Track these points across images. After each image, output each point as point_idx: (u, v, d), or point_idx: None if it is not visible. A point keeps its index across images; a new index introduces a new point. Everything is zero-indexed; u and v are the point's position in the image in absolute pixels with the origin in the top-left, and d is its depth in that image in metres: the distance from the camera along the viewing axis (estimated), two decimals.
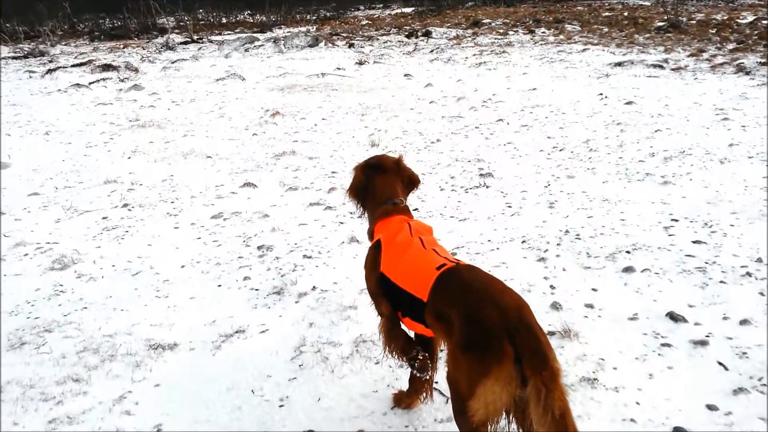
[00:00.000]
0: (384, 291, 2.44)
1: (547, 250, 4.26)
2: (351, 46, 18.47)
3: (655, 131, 7.29)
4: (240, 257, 4.38)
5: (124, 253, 4.52)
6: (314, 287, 3.86)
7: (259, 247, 4.52)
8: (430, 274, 2.21)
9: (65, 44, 24.63)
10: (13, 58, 20.10)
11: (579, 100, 9.49)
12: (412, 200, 5.28)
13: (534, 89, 10.61)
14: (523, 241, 4.44)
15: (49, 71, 14.51)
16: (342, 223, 4.97)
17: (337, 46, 18.60)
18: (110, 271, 4.22)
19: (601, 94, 9.76)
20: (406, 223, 2.51)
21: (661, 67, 12.35)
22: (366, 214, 2.75)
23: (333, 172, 6.33)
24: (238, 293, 3.86)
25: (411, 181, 2.78)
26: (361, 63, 14.71)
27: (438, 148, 7.12)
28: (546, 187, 5.62)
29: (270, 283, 3.95)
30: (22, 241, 4.70)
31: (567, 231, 4.56)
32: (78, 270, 4.22)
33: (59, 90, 12.25)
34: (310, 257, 4.31)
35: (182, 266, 4.27)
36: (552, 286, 3.76)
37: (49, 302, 3.82)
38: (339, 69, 13.99)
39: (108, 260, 4.39)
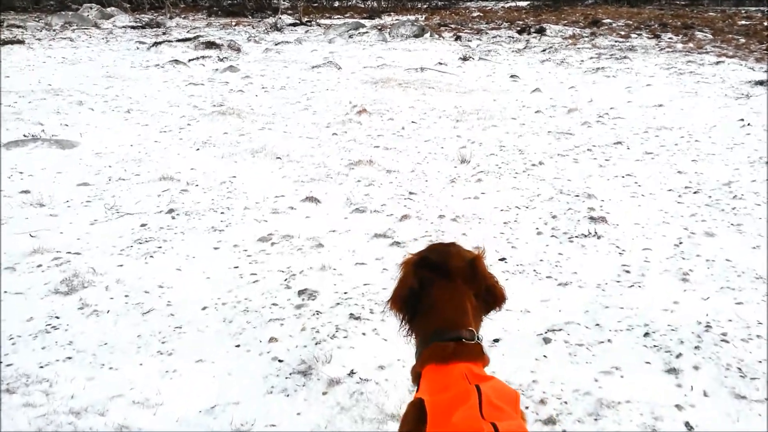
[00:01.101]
0: None
1: (680, 355, 3.00)
2: (458, 38, 17.19)
3: None
4: (274, 304, 3.42)
5: (146, 277, 3.69)
6: (352, 372, 2.83)
7: (300, 292, 3.54)
8: None
9: (184, 17, 24.93)
10: (132, 27, 20.40)
11: (715, 125, 7.84)
12: (492, 252, 4.13)
13: (660, 106, 8.99)
14: (646, 334, 3.19)
15: (155, 44, 14.31)
16: None
17: (443, 38, 17.37)
18: (120, 305, 3.38)
19: (743, 119, 8.03)
20: (474, 387, 1.44)
21: None
22: (413, 339, 1.70)
23: (411, 193, 5.25)
24: (257, 362, 2.90)
25: (491, 297, 1.70)
26: (465, 59, 13.45)
27: (539, 173, 5.87)
28: (677, 246, 4.28)
29: (299, 353, 2.96)
30: (41, 248, 3.98)
31: (708, 325, 3.26)
32: (84, 298, 3.42)
33: (157, 65, 11.91)
34: (358, 318, 3.28)
35: (204, 308, 3.37)
36: (689, 425, 2.53)
37: (33, 342, 3.03)
38: (440, 64, 12.82)
39: (123, 287, 3.57)
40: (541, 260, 4.06)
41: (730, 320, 3.32)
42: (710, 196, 5.25)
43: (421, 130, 7.50)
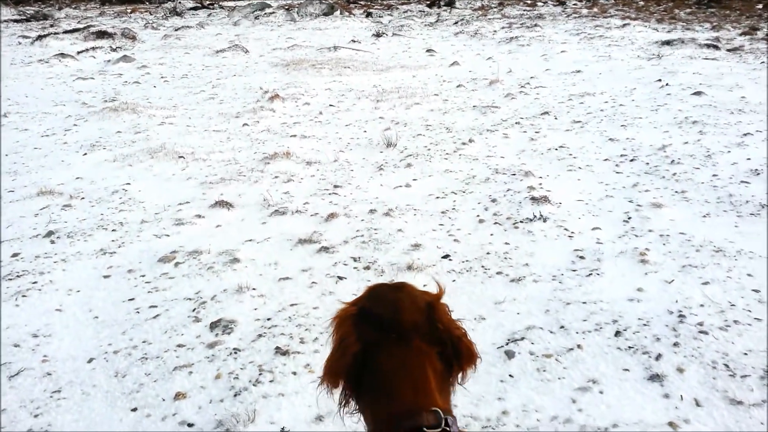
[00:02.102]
0: None
1: (660, 356, 2.58)
2: (369, 15, 16.53)
3: (744, 134, 5.50)
4: (180, 345, 2.74)
5: (16, 326, 2.91)
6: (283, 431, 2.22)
7: (213, 325, 2.88)
8: None
9: (74, 7, 22.83)
10: (16, 20, 18.38)
11: (635, 87, 7.65)
12: (435, 232, 3.61)
13: (578, 72, 8.75)
14: (617, 333, 2.76)
15: (39, 37, 12.81)
16: (341, 278, 3.32)
17: (354, 15, 16.65)
18: None
19: (660, 80, 7.90)
20: None
21: (716, 47, 10.41)
22: (363, 420, 1.26)
23: (336, 187, 4.63)
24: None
25: (456, 356, 1.26)
26: (378, 35, 12.84)
27: (471, 151, 5.39)
28: (626, 222, 3.91)
29: (214, 411, 2.32)
30: None
31: (681, 315, 2.87)
32: None
33: (41, 60, 10.56)
34: (286, 353, 2.66)
35: (90, 360, 2.65)
36: None
37: None
38: (354, 42, 12.15)
39: None
40: (488, 253, 3.57)
41: (701, 305, 2.95)
42: (647, 163, 4.94)
43: (341, 113, 6.86)
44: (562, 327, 2.84)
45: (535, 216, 3.99)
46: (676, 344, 2.66)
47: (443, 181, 4.74)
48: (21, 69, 10.07)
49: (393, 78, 8.77)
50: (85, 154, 5.55)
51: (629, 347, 2.67)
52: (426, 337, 1.22)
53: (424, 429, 1.10)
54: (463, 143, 5.61)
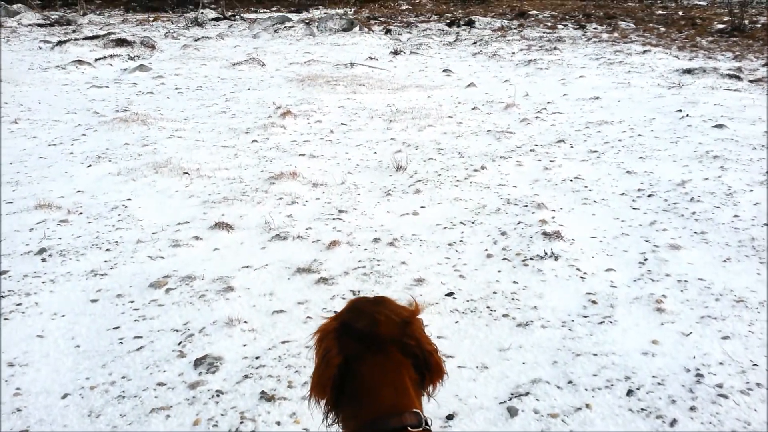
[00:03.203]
0: None
1: (675, 421, 2.36)
2: (388, 32, 16.46)
3: None
4: (161, 384, 2.56)
5: None
6: None
7: (197, 362, 2.70)
8: None
9: (99, 13, 23.07)
10: (40, 25, 18.56)
11: (654, 116, 7.43)
12: (432, 279, 3.41)
13: (596, 98, 8.54)
14: (630, 392, 2.54)
15: (60, 43, 12.86)
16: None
17: (373, 31, 16.59)
18: None
19: (681, 110, 7.67)
20: None
21: (738, 77, 10.15)
22: (343, 429, 1.31)
23: (340, 212, 4.46)
24: None
25: (428, 370, 1.33)
26: (396, 53, 12.73)
27: (482, 179, 5.20)
28: (642, 264, 3.68)
29: None
30: None
31: (699, 374, 2.64)
32: None
33: (58, 66, 10.56)
34: (271, 399, 2.47)
35: (64, 396, 2.48)
36: None
37: None
38: (371, 59, 12.04)
39: None
40: (494, 292, 3.36)
41: (721, 363, 2.73)
42: (666, 200, 4.72)
43: (352, 132, 6.71)
44: (570, 382, 2.62)
45: (546, 253, 3.78)
46: (692, 408, 2.43)
47: (452, 210, 4.55)
48: (38, 74, 10.07)
49: (408, 98, 8.62)
50: (90, 166, 5.44)
51: (642, 409, 2.44)
52: (402, 348, 1.28)
53: (408, 428, 1.17)
54: (475, 170, 5.42)
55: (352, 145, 6.20)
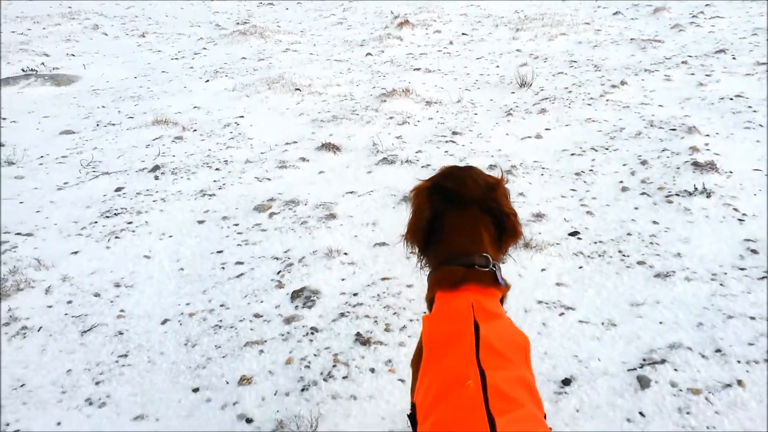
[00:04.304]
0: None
1: None
2: None
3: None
4: (257, 315, 2.45)
5: (102, 271, 2.79)
6: None
7: (294, 295, 2.55)
8: None
9: None
10: None
11: None
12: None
13: None
14: None
15: None
16: None
17: None
18: (56, 319, 2.49)
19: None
20: (472, 326, 1.21)
21: None
22: (428, 267, 1.50)
23: (454, 134, 4.06)
24: (217, 422, 1.97)
25: (506, 231, 1.46)
26: None
27: (621, 96, 4.49)
28: None
29: (276, 407, 2.01)
30: None
31: None
32: (14, 309, 2.54)
33: None
34: (367, 342, 2.27)
35: (164, 321, 2.45)
36: None
37: None
38: None
39: (69, 288, 2.67)
40: (629, 234, 2.88)
41: None
42: None
43: (473, 44, 6.11)
44: (718, 351, 2.16)
45: (696, 188, 3.18)
46: None
47: (582, 132, 3.98)
48: None
49: (539, 2, 7.72)
50: (207, 81, 5.41)
51: None
52: (484, 209, 1.44)
53: (475, 266, 1.36)
54: (613, 85, 4.71)
55: (473, 58, 5.64)
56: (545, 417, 1.14)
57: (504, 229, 1.45)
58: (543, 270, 2.65)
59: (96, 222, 3.19)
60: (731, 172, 3.35)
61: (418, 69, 5.38)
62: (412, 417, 1.22)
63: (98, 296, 2.61)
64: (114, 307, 2.54)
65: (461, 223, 1.42)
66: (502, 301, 1.41)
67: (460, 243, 1.40)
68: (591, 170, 3.50)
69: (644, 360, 2.15)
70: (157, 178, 3.65)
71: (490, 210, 1.43)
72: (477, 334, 1.20)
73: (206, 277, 2.73)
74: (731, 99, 4.35)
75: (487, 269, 1.36)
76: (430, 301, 1.43)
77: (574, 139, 3.88)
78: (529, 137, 3.95)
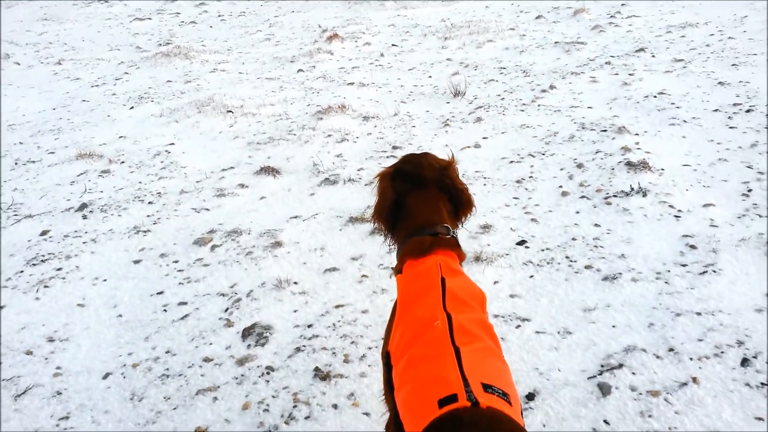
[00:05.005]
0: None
1: None
2: None
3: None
4: (207, 360, 2.33)
5: (32, 325, 2.59)
6: None
7: (245, 333, 2.44)
8: (426, 410, 1.12)
9: None
10: None
11: (746, 15, 6.44)
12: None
13: None
14: (744, 362, 2.11)
15: None
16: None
17: None
18: None
19: None
20: (439, 280, 1.42)
21: None
22: (395, 244, 1.70)
23: (394, 148, 4.04)
24: None
25: (460, 203, 1.71)
26: None
27: (552, 101, 4.60)
28: (746, 196, 3.13)
29: None
30: None
31: None
32: None
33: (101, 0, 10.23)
34: (326, 376, 2.19)
35: (106, 376, 2.29)
36: None
37: None
38: None
39: None
40: (573, 239, 2.93)
41: None
42: None
43: (404, 54, 6.14)
44: (671, 350, 2.21)
45: (632, 188, 3.28)
46: None
47: (519, 139, 4.04)
48: (81, 10, 9.79)
49: (463, 8, 7.86)
50: (132, 107, 5.17)
51: (762, 384, 2.02)
52: (440, 187, 1.66)
53: (438, 232, 1.56)
54: (543, 90, 4.83)
55: (405, 69, 5.66)
56: (502, 353, 1.34)
57: (459, 202, 1.69)
58: (496, 282, 2.65)
59: (22, 271, 2.96)
60: (663, 170, 3.47)
61: (352, 83, 5.35)
62: (387, 356, 1.41)
63: (31, 354, 2.41)
64: (49, 364, 2.35)
65: (423, 200, 1.64)
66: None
67: (424, 217, 1.61)
68: (531, 177, 3.55)
69: (602, 366, 2.17)
70: (85, 217, 3.44)
71: (446, 187, 1.66)
72: (443, 287, 1.40)
73: (148, 322, 2.57)
74: (655, 97, 4.54)
75: (449, 236, 1.58)
76: (399, 271, 1.59)
77: (512, 147, 3.94)
78: (468, 147, 3.98)
